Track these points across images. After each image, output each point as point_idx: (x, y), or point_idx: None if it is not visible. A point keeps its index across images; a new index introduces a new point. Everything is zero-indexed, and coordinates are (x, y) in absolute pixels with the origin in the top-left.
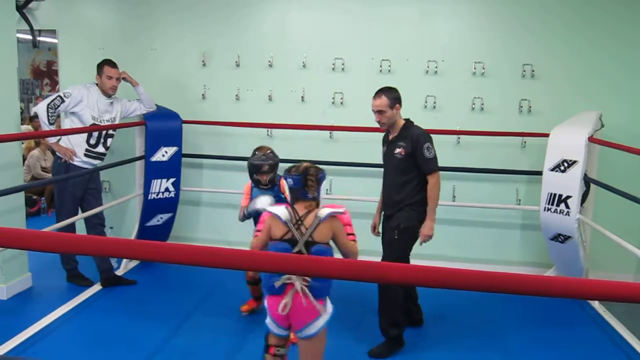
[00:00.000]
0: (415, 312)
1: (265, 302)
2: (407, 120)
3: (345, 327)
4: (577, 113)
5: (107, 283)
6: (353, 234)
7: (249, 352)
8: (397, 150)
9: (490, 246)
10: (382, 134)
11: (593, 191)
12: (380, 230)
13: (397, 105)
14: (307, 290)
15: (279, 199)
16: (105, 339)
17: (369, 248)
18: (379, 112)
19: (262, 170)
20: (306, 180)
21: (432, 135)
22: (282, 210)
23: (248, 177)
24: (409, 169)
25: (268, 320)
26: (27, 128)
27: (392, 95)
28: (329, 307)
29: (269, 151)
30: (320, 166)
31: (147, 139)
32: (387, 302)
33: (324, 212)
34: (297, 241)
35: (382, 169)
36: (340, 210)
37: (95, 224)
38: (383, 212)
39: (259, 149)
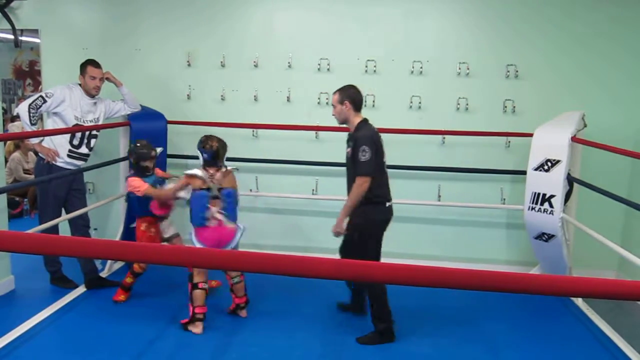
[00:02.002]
0: (355, 300)
1: (194, 234)
2: (362, 121)
3: (339, 318)
4: (560, 113)
5: (91, 285)
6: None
7: (236, 352)
8: (347, 150)
9: (476, 245)
10: None
11: (576, 190)
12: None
13: (347, 102)
14: (223, 217)
15: (162, 182)
16: (89, 342)
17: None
18: (332, 105)
19: (151, 156)
20: (217, 154)
21: (416, 136)
22: (200, 172)
23: None
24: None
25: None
26: (19, 125)
27: (344, 93)
28: (242, 225)
29: (145, 143)
30: (308, 166)
31: (132, 140)
32: (372, 300)
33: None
34: (210, 188)
35: None
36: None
37: (80, 226)
38: None
39: (139, 141)
